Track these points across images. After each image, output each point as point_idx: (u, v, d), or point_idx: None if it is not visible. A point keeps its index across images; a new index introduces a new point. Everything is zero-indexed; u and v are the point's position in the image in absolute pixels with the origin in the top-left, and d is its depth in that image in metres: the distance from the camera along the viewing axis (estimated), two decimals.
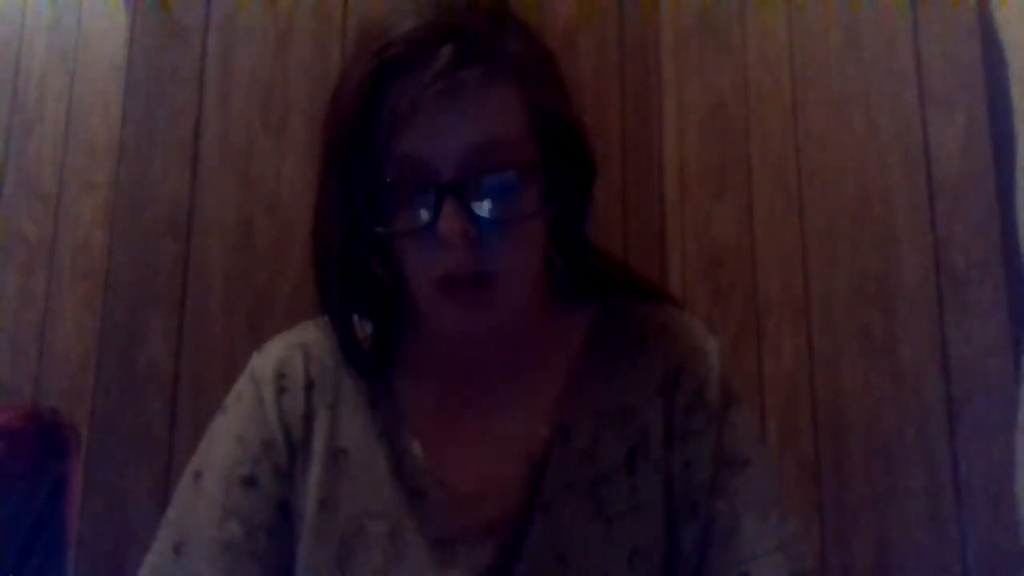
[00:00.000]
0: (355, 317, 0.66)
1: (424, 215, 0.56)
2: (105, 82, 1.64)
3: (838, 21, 1.14)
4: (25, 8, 1.75)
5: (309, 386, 0.66)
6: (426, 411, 0.66)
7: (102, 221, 1.52)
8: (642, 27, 1.39)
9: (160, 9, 1.21)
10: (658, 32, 1.40)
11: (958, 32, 1.00)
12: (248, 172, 1.18)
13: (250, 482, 0.63)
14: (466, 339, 0.65)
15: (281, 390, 0.66)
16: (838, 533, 1.04)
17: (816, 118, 1.17)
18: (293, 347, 0.68)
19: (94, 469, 1.08)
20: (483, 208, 0.56)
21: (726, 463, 0.63)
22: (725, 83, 1.30)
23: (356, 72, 0.59)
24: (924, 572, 0.97)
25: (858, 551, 1.02)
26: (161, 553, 0.63)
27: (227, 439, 0.65)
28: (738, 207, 1.26)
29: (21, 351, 1.56)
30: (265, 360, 0.68)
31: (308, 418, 0.65)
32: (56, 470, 1.29)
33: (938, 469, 0.97)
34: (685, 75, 1.36)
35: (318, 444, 0.65)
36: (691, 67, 1.36)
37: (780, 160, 1.21)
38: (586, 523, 0.62)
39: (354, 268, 0.63)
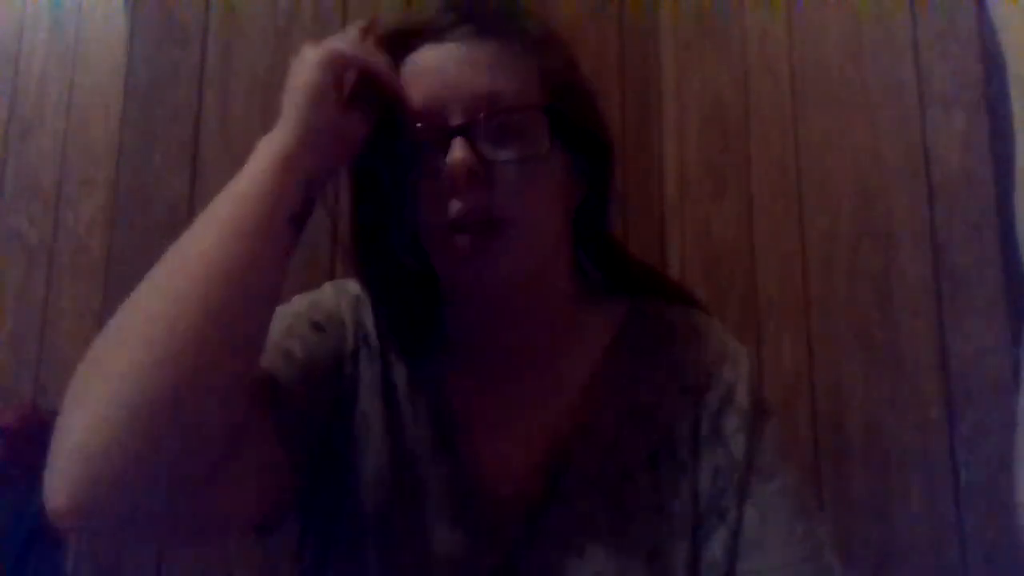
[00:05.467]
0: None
1: (436, 160, 0.58)
2: (105, 82, 1.64)
3: (838, 21, 1.14)
4: (25, 8, 1.75)
5: (365, 338, 0.68)
6: (455, 394, 0.66)
7: (102, 221, 1.52)
8: (642, 27, 1.39)
9: (160, 9, 1.21)
10: (658, 32, 1.40)
11: (958, 32, 1.00)
12: None
13: (318, 327, 0.65)
14: (481, 294, 0.64)
15: (359, 300, 0.69)
16: (838, 533, 1.04)
17: (816, 118, 1.17)
18: (358, 299, 0.70)
19: None
20: (491, 150, 0.58)
21: (755, 470, 0.62)
22: (725, 83, 1.30)
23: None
24: (924, 571, 0.97)
25: (858, 551, 1.02)
26: None
27: (300, 300, 0.68)
28: (738, 207, 1.26)
29: (21, 351, 1.56)
30: (343, 283, 0.70)
31: (381, 338, 0.68)
32: None
33: (938, 469, 0.97)
34: (685, 75, 1.36)
35: (381, 362, 0.66)
36: (691, 67, 1.36)
37: (780, 160, 1.21)
38: (604, 518, 0.61)
39: (384, 250, 0.65)
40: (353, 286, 0.70)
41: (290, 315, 0.65)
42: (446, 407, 0.65)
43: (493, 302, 0.65)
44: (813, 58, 1.18)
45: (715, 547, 0.61)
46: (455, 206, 0.58)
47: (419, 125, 0.59)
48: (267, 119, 1.17)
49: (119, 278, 1.14)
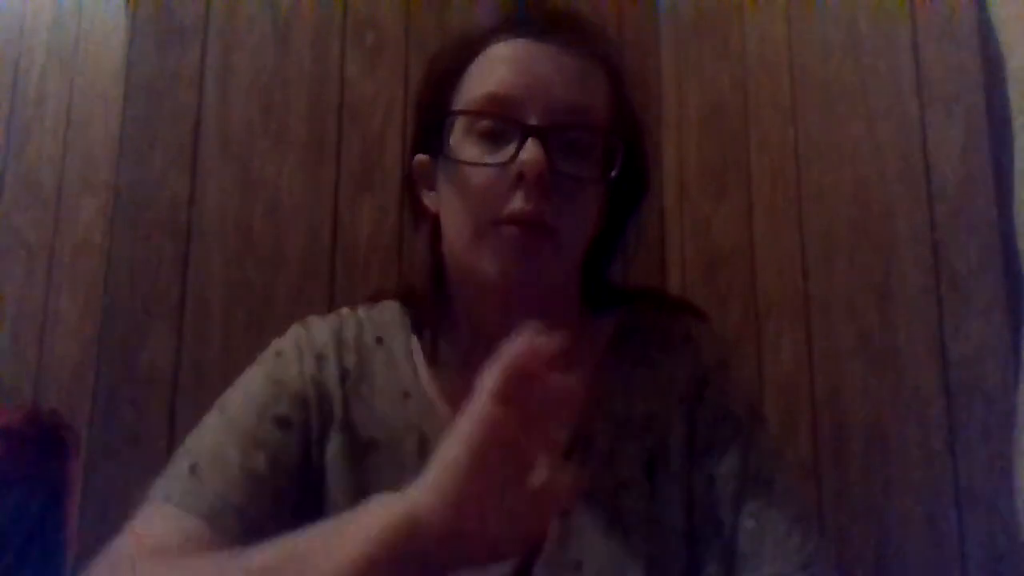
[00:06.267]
0: None
1: (503, 154, 0.58)
2: (105, 82, 1.64)
3: (838, 21, 1.14)
4: (25, 8, 1.75)
5: (344, 376, 0.66)
6: (454, 408, 0.66)
7: (102, 222, 1.52)
8: (642, 27, 1.39)
9: (160, 9, 1.21)
10: (658, 32, 1.40)
11: (958, 32, 1.00)
12: (248, 172, 1.18)
13: (284, 424, 0.62)
14: (505, 294, 0.63)
15: (320, 358, 0.66)
16: (838, 533, 1.04)
17: (815, 119, 1.17)
18: (331, 333, 0.68)
19: (94, 469, 1.08)
20: (561, 160, 0.58)
21: (751, 479, 0.62)
22: (724, 84, 1.30)
23: (459, 37, 0.63)
24: (924, 571, 0.97)
25: (858, 551, 1.02)
26: (175, 476, 0.60)
27: (262, 381, 0.65)
28: (737, 208, 1.26)
29: (21, 351, 1.56)
30: (307, 331, 0.68)
31: (344, 401, 0.65)
32: (56, 471, 1.29)
33: (938, 468, 0.97)
34: (685, 75, 1.36)
35: (348, 431, 0.64)
36: (691, 67, 1.36)
37: (779, 161, 1.21)
38: (603, 531, 0.61)
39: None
40: (318, 331, 0.68)
41: (253, 413, 0.62)
42: (435, 438, 0.65)
43: (508, 314, 0.64)
44: (813, 58, 1.18)
45: (711, 558, 0.61)
46: (515, 203, 0.57)
47: (492, 113, 0.59)
48: (267, 119, 1.17)
49: (119, 278, 1.14)
